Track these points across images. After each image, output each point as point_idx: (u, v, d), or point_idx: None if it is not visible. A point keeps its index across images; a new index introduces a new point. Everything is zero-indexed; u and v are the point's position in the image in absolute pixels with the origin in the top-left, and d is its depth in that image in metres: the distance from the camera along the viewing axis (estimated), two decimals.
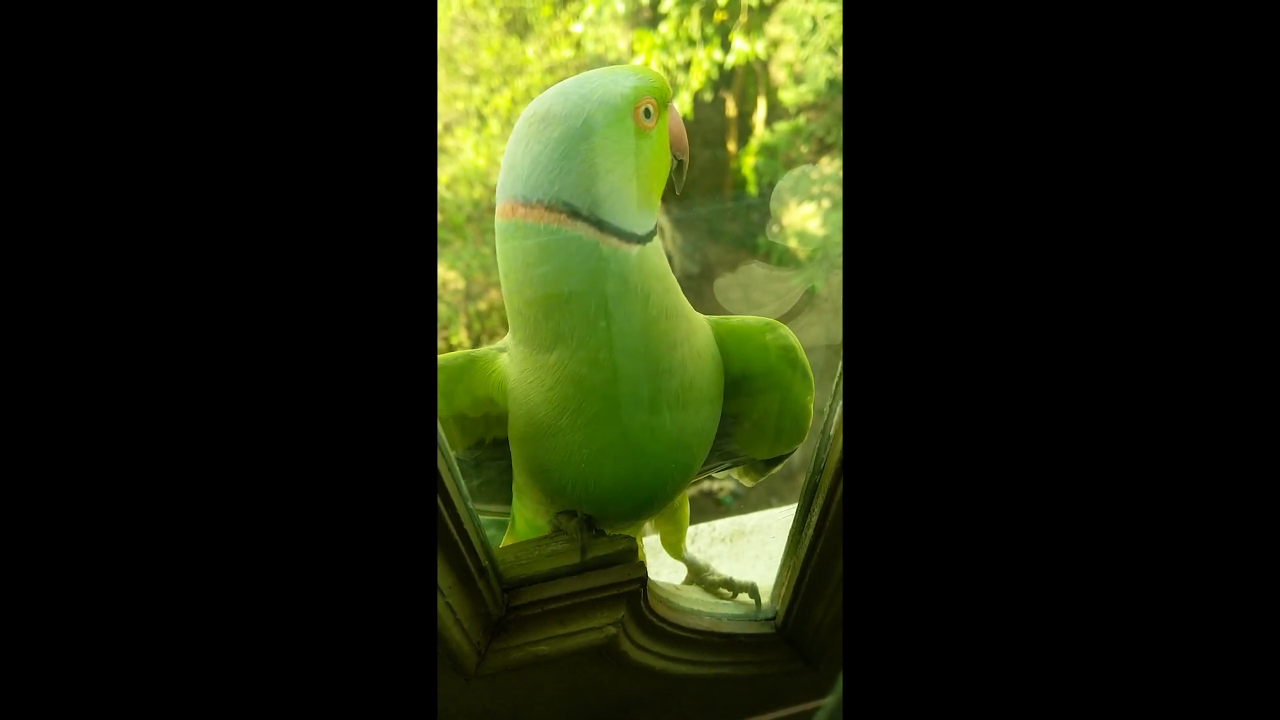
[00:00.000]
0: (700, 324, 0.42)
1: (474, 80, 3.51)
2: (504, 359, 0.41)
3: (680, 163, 0.41)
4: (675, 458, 0.42)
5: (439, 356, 0.41)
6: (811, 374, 0.45)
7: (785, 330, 0.45)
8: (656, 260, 0.38)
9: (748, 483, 0.53)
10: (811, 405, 0.46)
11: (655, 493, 0.44)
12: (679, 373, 0.39)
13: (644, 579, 0.44)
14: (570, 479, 0.41)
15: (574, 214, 0.35)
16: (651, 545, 0.60)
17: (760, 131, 3.87)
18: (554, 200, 0.35)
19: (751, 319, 0.45)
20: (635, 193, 0.36)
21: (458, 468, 0.38)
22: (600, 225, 0.35)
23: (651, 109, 0.37)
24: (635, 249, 0.36)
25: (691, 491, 0.53)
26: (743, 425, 0.46)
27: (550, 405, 0.39)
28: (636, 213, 0.36)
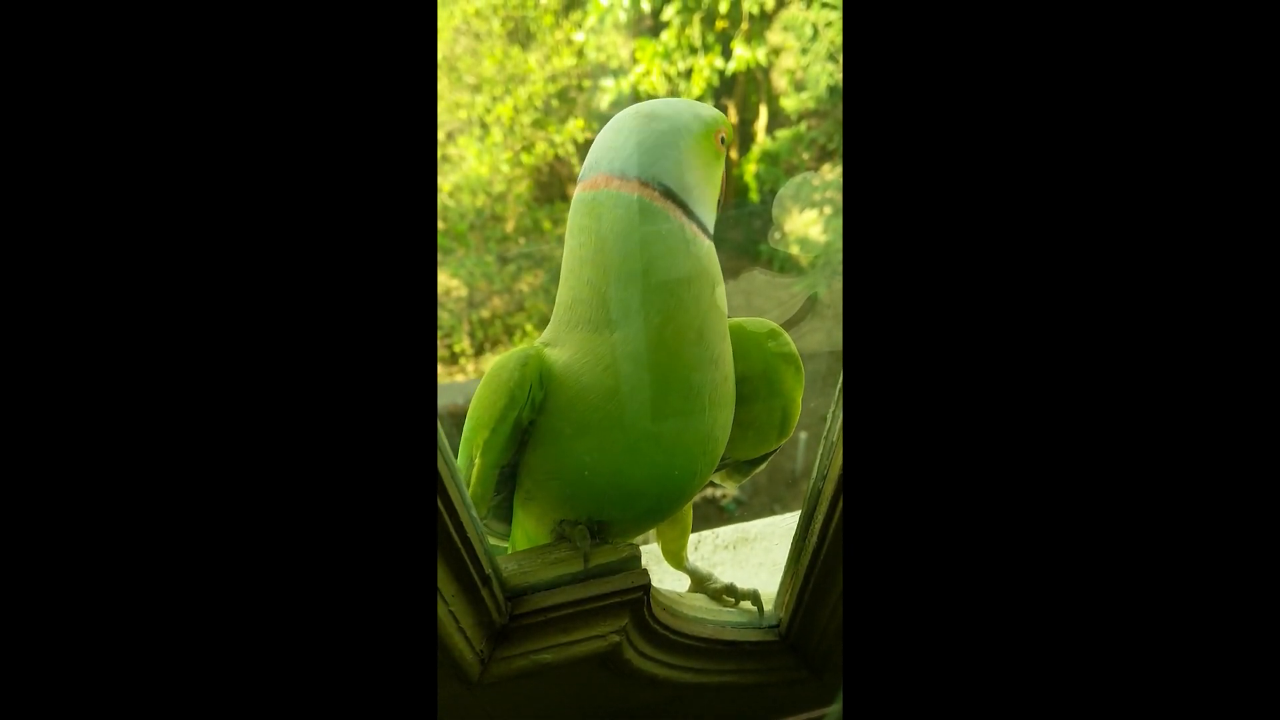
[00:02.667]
0: None
1: (477, 89, 3.53)
2: (549, 352, 0.41)
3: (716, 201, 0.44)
4: (706, 450, 0.43)
5: (500, 356, 0.42)
6: (803, 368, 0.47)
7: (780, 330, 0.46)
8: (716, 258, 0.40)
9: (730, 486, 0.54)
10: (800, 399, 0.47)
11: (682, 489, 0.45)
12: (722, 365, 0.41)
13: (647, 586, 0.44)
14: (604, 474, 0.42)
15: (667, 193, 0.38)
16: (653, 553, 0.60)
17: (762, 138, 3.88)
18: (650, 178, 0.37)
19: (747, 320, 0.45)
20: (708, 195, 0.39)
21: (461, 476, 0.38)
22: (686, 211, 0.38)
23: (726, 138, 0.41)
24: (708, 241, 0.39)
25: (694, 498, 0.53)
26: (739, 425, 0.46)
27: (602, 387, 0.39)
28: (708, 212, 0.40)
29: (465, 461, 0.43)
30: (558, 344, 0.41)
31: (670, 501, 0.46)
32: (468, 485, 0.43)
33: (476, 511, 0.44)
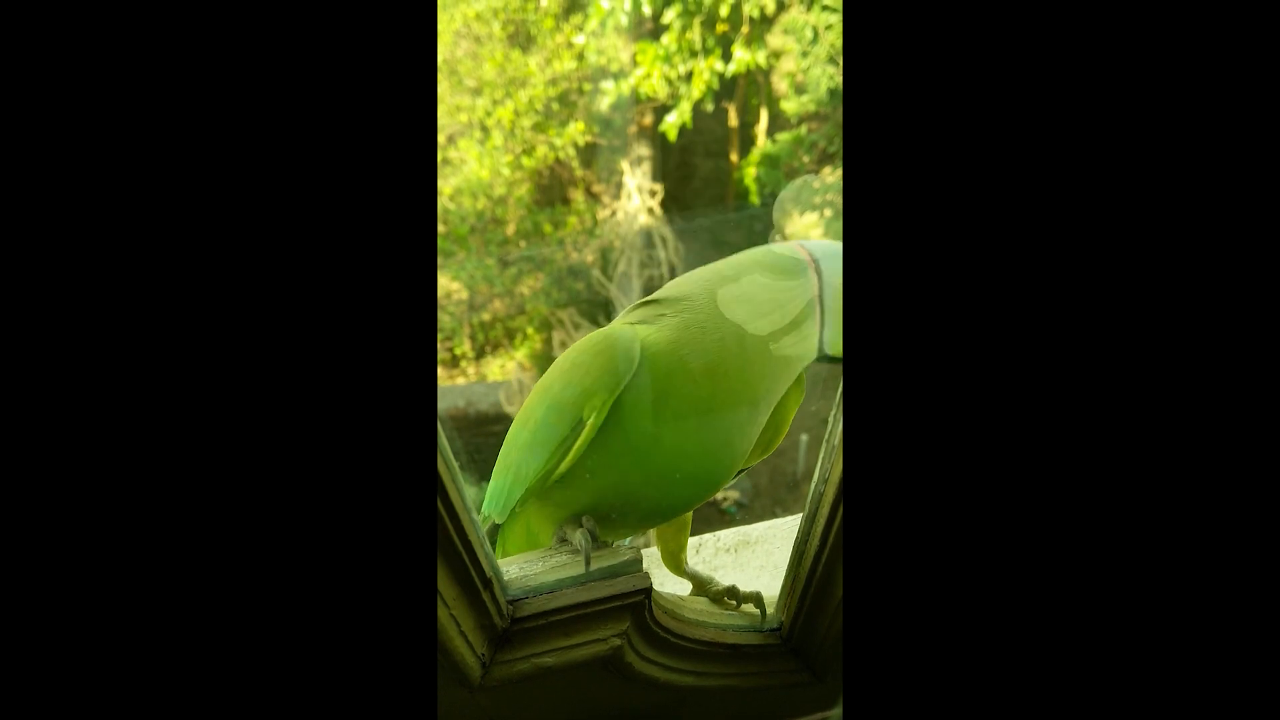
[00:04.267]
0: None
1: (477, 92, 3.54)
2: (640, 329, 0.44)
3: None
4: (749, 445, 0.46)
5: (602, 330, 0.44)
6: (804, 380, 0.49)
7: None
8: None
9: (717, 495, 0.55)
10: (793, 416, 0.50)
11: (721, 479, 0.47)
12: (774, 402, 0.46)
13: (649, 590, 0.44)
14: (665, 455, 0.44)
15: (815, 265, 0.45)
16: (654, 557, 0.60)
17: (762, 142, 3.88)
18: (811, 252, 0.46)
19: None
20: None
21: (461, 477, 0.38)
22: (818, 270, 0.45)
23: None
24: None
25: None
26: None
27: (698, 366, 0.43)
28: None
29: (565, 425, 0.44)
30: (650, 323, 0.44)
31: (706, 491, 0.48)
32: (564, 447, 0.44)
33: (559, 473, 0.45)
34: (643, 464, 0.45)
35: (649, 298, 0.46)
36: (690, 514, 0.52)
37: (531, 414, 0.46)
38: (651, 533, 0.54)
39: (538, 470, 0.45)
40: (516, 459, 0.47)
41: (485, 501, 0.50)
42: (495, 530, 0.53)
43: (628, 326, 0.43)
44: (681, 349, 0.43)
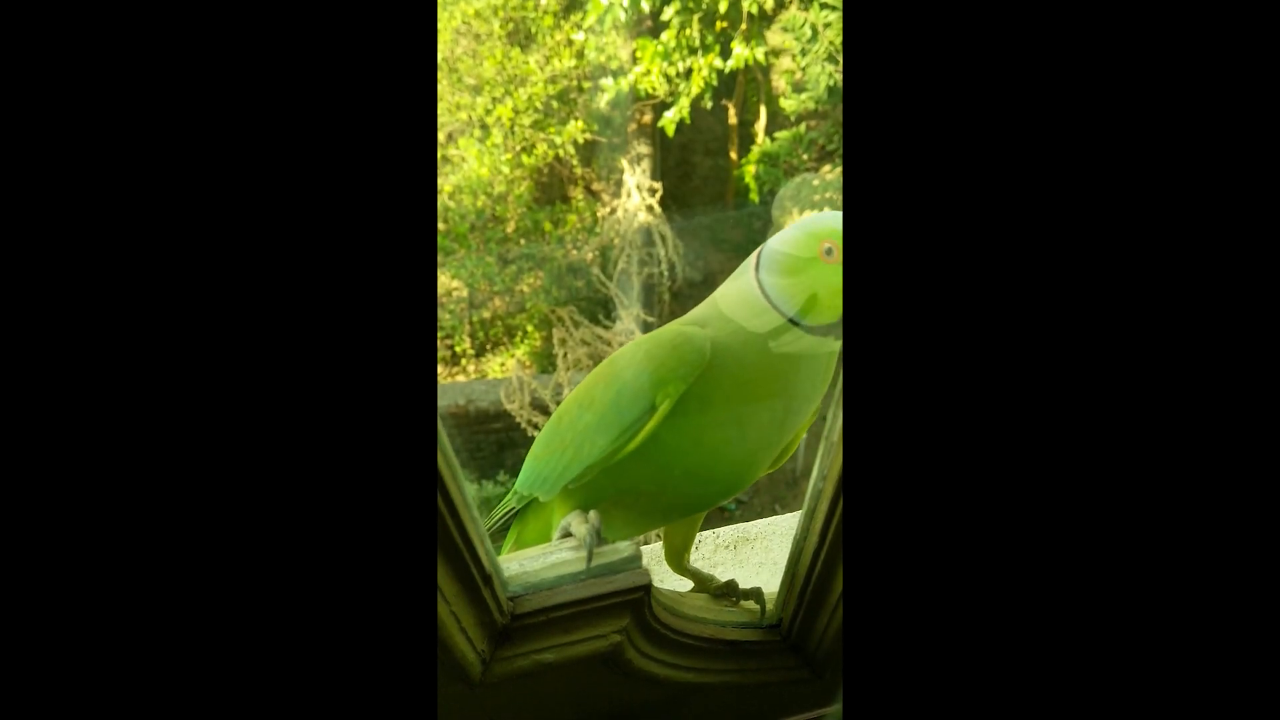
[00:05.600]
0: None
1: (477, 90, 3.53)
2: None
3: None
4: (769, 458, 0.49)
5: (670, 329, 0.46)
6: None
7: None
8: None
9: None
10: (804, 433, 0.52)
11: (738, 484, 0.50)
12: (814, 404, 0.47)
13: (648, 586, 0.44)
14: (691, 457, 0.47)
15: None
16: (654, 553, 0.60)
17: (762, 139, 3.88)
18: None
19: None
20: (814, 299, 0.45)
21: (461, 474, 0.38)
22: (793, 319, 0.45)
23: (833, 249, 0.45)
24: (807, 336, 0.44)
25: None
26: None
27: (761, 366, 0.44)
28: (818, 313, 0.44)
29: (637, 409, 0.45)
30: (707, 325, 0.45)
31: (729, 491, 0.50)
32: (633, 429, 0.45)
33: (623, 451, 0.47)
34: (681, 458, 0.47)
35: (698, 309, 0.47)
36: (703, 512, 0.53)
37: (597, 398, 0.48)
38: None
39: (603, 449, 0.46)
40: (576, 439, 0.48)
41: (528, 481, 0.52)
42: (506, 524, 0.55)
43: (694, 328, 0.45)
44: (721, 355, 0.44)
